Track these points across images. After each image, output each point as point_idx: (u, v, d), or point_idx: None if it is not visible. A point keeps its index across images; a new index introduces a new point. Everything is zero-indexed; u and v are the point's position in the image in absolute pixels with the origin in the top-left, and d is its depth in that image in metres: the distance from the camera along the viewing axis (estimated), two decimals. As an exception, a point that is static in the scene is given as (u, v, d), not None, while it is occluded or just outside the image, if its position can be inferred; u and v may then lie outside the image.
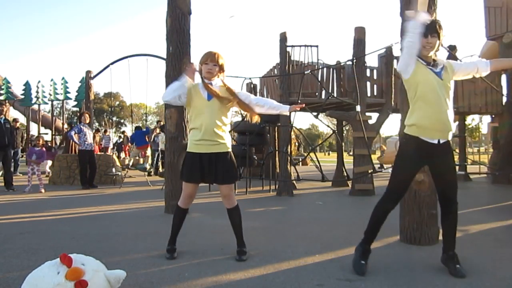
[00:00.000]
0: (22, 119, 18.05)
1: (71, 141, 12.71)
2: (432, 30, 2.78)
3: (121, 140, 19.55)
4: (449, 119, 2.80)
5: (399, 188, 2.95)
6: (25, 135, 14.82)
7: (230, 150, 3.25)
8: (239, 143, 8.75)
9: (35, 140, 8.92)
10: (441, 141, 2.81)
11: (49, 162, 12.05)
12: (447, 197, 2.91)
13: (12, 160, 9.87)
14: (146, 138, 13.09)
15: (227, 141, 3.24)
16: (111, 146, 16.46)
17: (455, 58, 10.34)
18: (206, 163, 3.15)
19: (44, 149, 8.96)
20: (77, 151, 12.02)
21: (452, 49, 10.50)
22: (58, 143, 15.63)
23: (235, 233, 3.32)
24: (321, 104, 8.12)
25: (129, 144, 15.20)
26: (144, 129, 14.13)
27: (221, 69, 3.25)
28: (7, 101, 14.69)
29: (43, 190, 8.05)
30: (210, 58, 3.17)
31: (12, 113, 18.83)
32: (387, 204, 2.94)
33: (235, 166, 3.29)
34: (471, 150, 18.50)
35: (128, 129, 43.44)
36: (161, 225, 4.59)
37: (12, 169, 9.23)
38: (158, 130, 13.09)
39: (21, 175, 11.82)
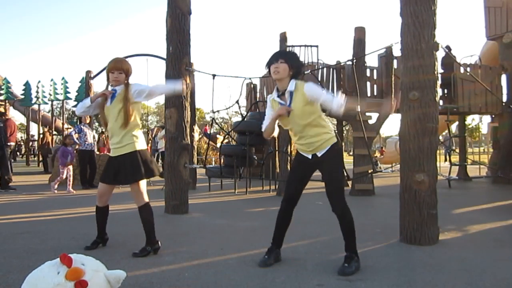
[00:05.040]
0: (22, 119, 18.04)
1: (52, 142, 12.80)
2: (277, 56, 2.96)
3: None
4: (311, 140, 3.00)
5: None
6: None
7: (137, 149, 3.33)
8: (239, 143, 8.75)
9: (65, 139, 8.49)
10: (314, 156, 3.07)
11: None
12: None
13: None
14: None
15: (135, 141, 3.34)
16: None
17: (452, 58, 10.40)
18: (117, 166, 3.33)
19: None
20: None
21: (448, 49, 10.52)
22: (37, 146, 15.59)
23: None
24: (321, 104, 8.11)
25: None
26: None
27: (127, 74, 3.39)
28: (7, 101, 14.70)
29: (72, 190, 8.07)
30: (115, 67, 3.33)
31: (12, 113, 18.81)
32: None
33: (144, 165, 3.32)
34: (471, 150, 18.49)
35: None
36: (161, 225, 4.58)
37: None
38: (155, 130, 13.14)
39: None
